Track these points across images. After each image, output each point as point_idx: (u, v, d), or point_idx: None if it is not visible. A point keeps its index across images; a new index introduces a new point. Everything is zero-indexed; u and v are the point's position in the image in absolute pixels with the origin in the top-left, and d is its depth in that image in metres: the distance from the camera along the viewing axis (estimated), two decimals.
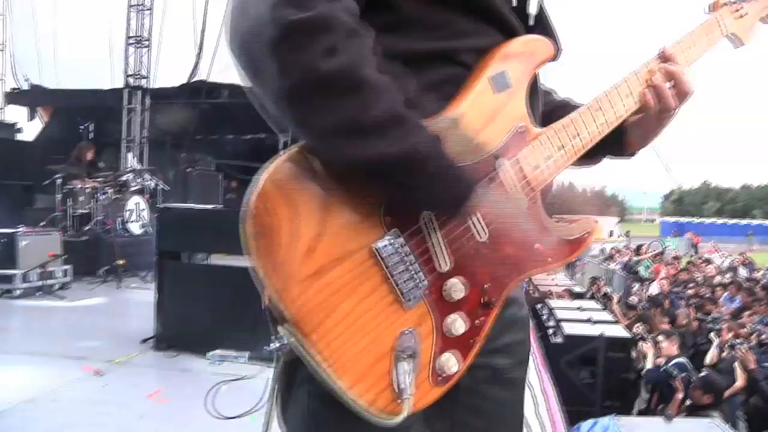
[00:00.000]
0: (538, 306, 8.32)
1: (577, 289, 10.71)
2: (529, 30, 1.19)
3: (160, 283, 5.28)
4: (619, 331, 7.22)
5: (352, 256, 0.99)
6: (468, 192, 1.02)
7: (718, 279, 14.27)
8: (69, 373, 4.50)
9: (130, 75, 13.71)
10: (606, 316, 8.08)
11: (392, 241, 1.00)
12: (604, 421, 4.52)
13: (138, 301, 7.08)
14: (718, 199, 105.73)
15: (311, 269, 0.96)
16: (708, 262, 17.62)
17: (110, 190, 9.77)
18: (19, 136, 15.59)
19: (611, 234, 41.43)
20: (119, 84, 13.98)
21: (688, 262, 17.71)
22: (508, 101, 1.11)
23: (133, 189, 10.10)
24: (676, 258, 18.41)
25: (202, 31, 14.33)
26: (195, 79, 14.53)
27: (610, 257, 20.68)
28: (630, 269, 15.84)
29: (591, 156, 1.26)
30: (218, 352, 4.82)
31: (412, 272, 1.02)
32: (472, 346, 1.09)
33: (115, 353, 4.96)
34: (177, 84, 14.68)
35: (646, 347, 7.18)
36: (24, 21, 16.37)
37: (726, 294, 12.00)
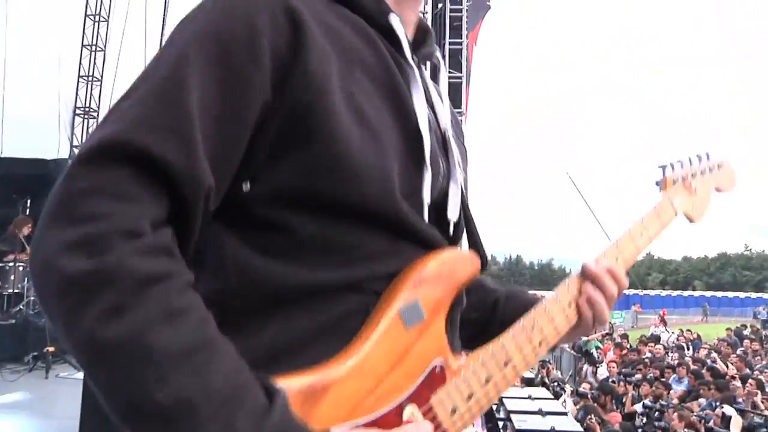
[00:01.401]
0: None
1: (527, 374, 10.58)
2: (450, 239, 1.02)
3: (87, 381, 4.91)
4: (570, 424, 7.08)
5: None
6: None
7: (666, 360, 14.41)
8: None
9: (76, 146, 13.42)
10: (557, 405, 7.95)
11: None
12: None
13: (66, 393, 6.55)
14: (661, 271, 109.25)
15: None
16: (656, 340, 17.81)
17: None
18: None
19: None
20: (65, 154, 13.64)
21: (640, 340, 17.85)
22: (422, 336, 0.92)
23: None
24: (624, 336, 18.57)
25: None
26: None
27: None
28: (579, 349, 15.84)
29: None
30: None
31: None
32: None
33: None
34: None
35: None
36: None
37: (674, 376, 12.06)
